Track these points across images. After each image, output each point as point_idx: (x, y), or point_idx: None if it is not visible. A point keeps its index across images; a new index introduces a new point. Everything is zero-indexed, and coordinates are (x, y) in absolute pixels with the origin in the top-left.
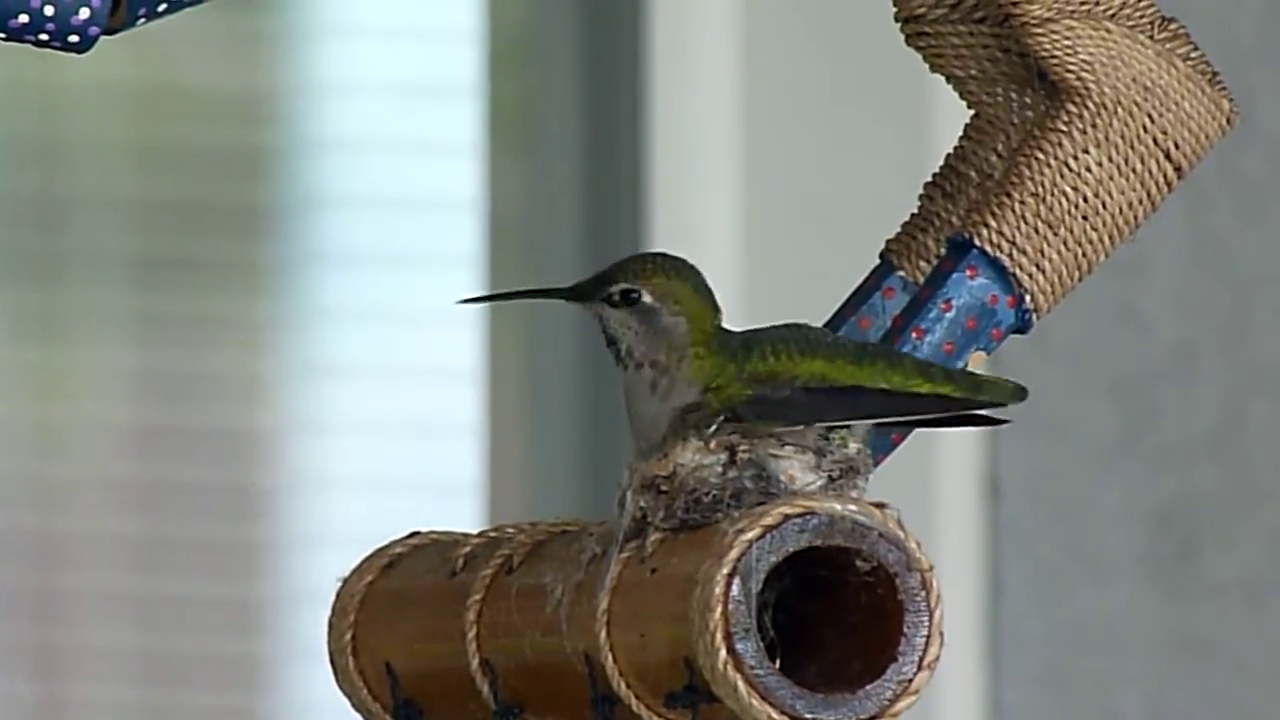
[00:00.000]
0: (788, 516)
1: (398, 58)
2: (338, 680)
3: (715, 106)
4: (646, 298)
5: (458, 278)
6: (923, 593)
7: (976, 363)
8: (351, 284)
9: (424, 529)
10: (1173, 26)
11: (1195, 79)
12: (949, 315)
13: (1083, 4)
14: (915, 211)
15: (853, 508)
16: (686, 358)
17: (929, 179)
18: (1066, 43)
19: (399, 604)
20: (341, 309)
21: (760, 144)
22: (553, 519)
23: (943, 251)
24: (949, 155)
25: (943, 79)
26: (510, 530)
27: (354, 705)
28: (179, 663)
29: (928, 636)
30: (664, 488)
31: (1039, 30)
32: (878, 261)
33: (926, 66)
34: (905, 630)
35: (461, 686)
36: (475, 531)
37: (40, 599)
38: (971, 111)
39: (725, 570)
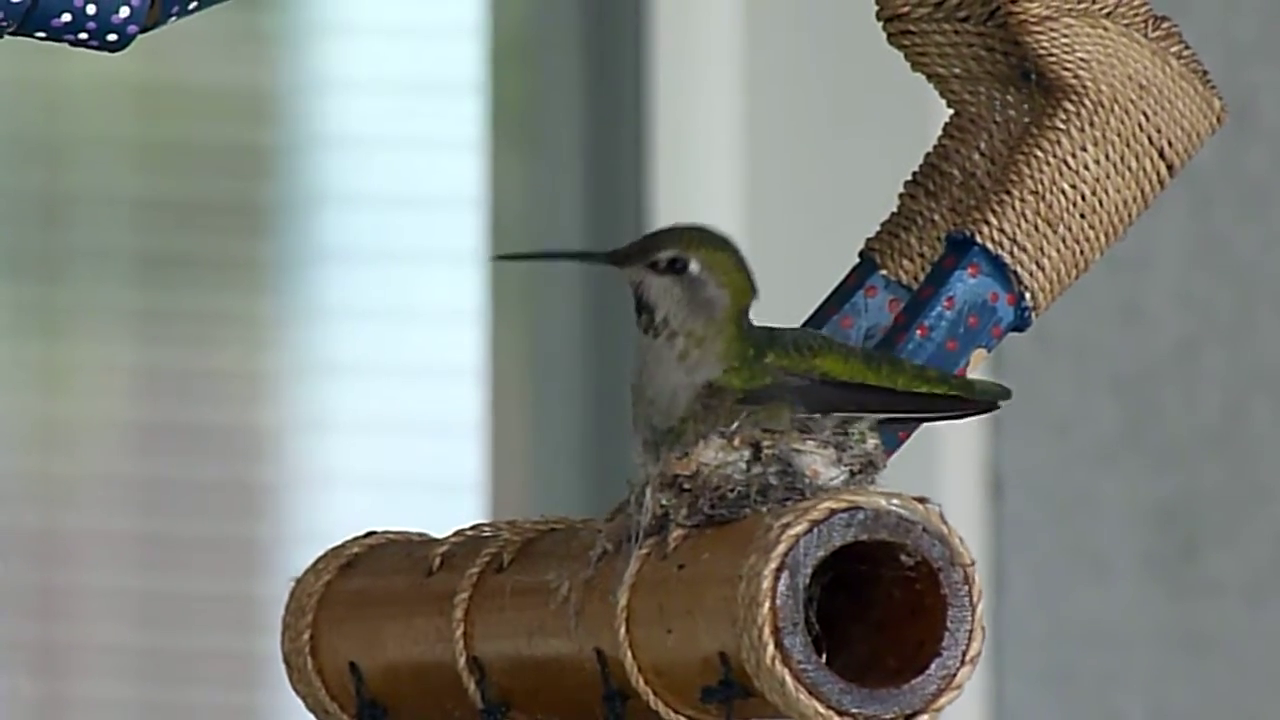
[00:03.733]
0: (834, 511)
1: (400, 55)
2: (293, 680)
3: (717, 103)
4: (694, 267)
5: (460, 275)
6: (965, 587)
7: (978, 361)
8: (354, 281)
9: (379, 528)
10: (1165, 25)
11: (1188, 77)
12: (951, 313)
13: (1080, 2)
14: (896, 210)
15: (897, 502)
16: (723, 333)
17: (910, 177)
18: (1064, 40)
19: (366, 603)
20: (344, 306)
21: (762, 140)
22: (536, 517)
23: (925, 250)
24: (929, 154)
25: None
26: (488, 529)
27: (309, 706)
28: (182, 660)
29: (970, 631)
30: (687, 485)
31: (1038, 28)
32: (858, 260)
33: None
34: (949, 625)
35: (440, 685)
36: (447, 531)
37: (42, 596)
38: (951, 110)
39: (773, 565)
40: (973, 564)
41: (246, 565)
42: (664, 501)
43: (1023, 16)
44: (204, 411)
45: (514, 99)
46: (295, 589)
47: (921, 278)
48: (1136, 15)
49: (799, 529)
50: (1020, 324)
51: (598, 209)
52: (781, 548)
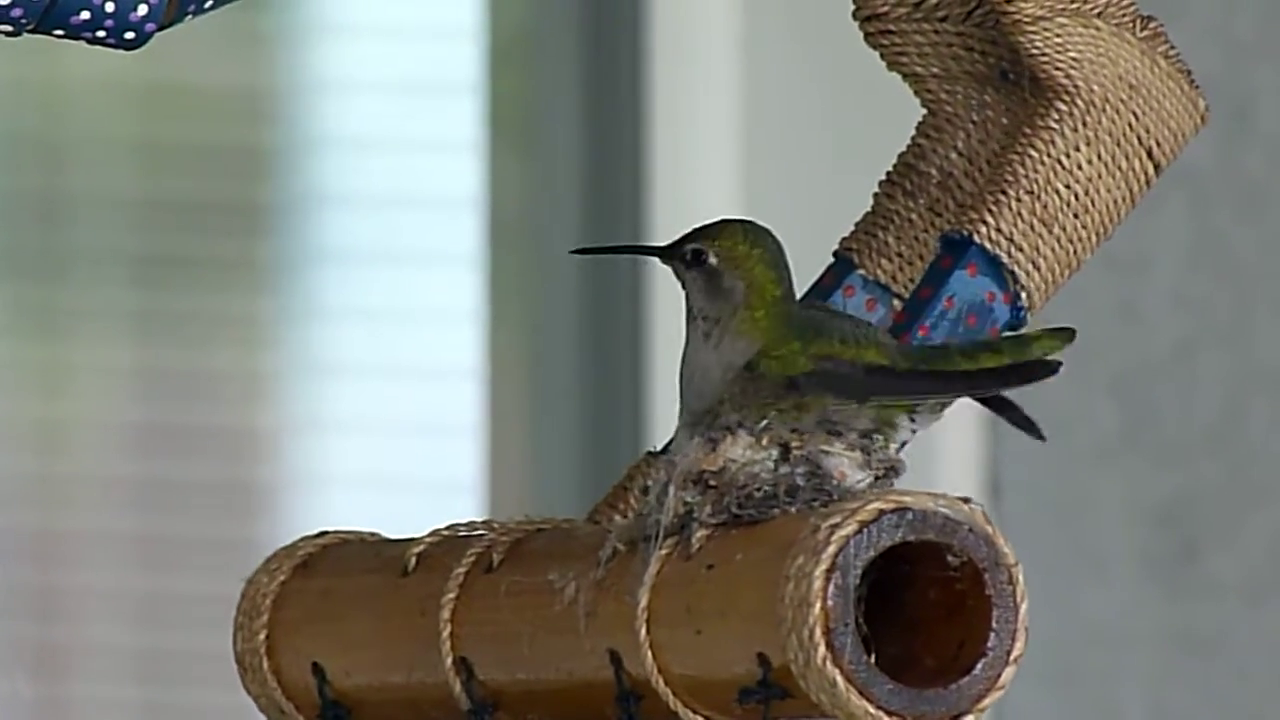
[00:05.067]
0: (882, 512)
1: (398, 56)
2: (246, 681)
3: (715, 104)
4: (712, 259)
5: (458, 276)
6: (1010, 588)
7: None
8: (352, 282)
9: (332, 528)
10: (1153, 24)
11: (1175, 77)
12: (951, 313)
13: (1072, 2)
14: (871, 209)
15: (944, 503)
16: (741, 317)
17: (884, 177)
18: (1058, 40)
19: (333, 604)
20: (342, 307)
21: (759, 141)
22: (520, 517)
23: (903, 249)
24: (904, 154)
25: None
26: (464, 529)
27: (262, 706)
28: (180, 661)
29: (1014, 631)
30: (713, 483)
31: (1031, 28)
32: (832, 259)
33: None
34: (995, 626)
35: (418, 686)
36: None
37: (41, 597)
38: (925, 110)
39: (824, 566)
40: (1017, 564)
41: (245, 566)
42: (687, 499)
43: (1016, 16)
44: (202, 412)
45: (512, 100)
46: (248, 589)
47: (900, 277)
48: (1125, 15)
49: (849, 530)
50: (1015, 324)
51: (596, 209)
52: (832, 549)
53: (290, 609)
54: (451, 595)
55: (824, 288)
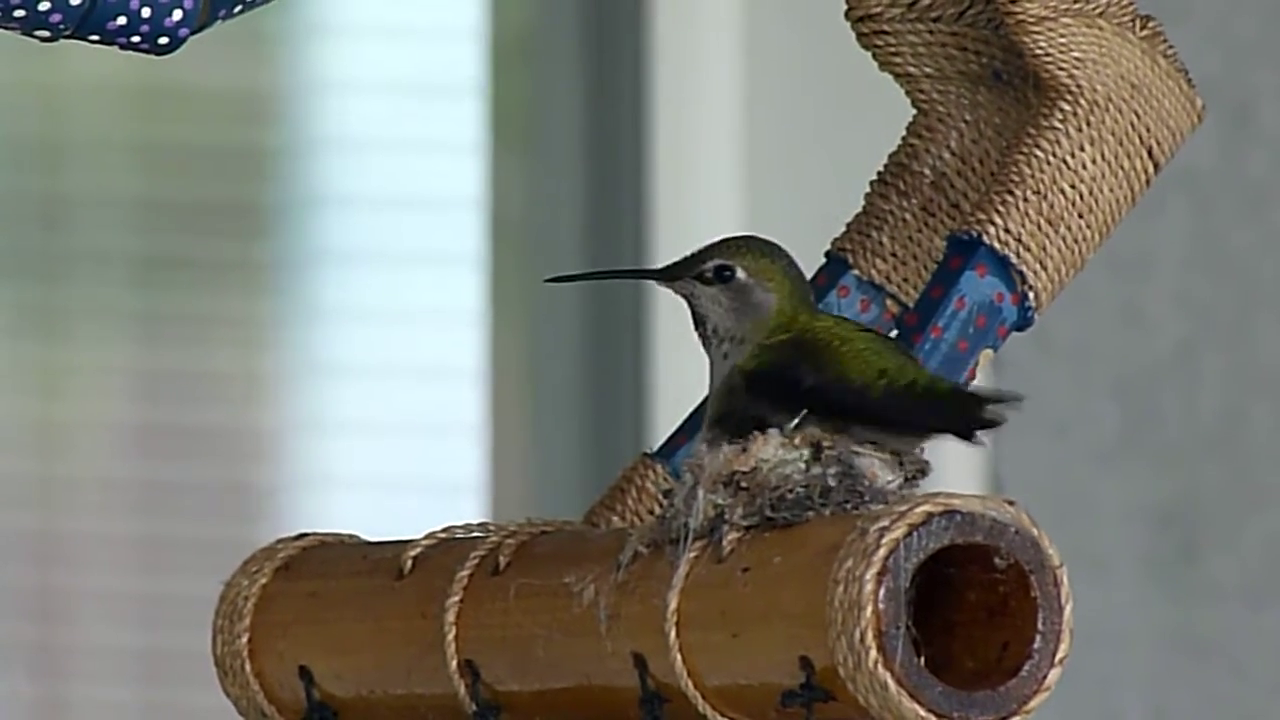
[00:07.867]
0: (931, 515)
1: (400, 57)
2: (225, 684)
3: (716, 105)
4: (740, 274)
5: (460, 277)
6: (1055, 589)
7: (985, 361)
8: (353, 283)
9: (310, 530)
10: (1152, 24)
11: (1174, 76)
12: (962, 314)
13: (1075, 2)
14: (864, 209)
15: (990, 505)
16: (767, 329)
17: (876, 177)
18: (1061, 40)
19: (319, 606)
20: (343, 308)
21: (761, 142)
22: (522, 519)
23: (898, 250)
24: (896, 154)
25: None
26: (460, 531)
27: (242, 709)
28: (180, 662)
29: (1060, 633)
30: (744, 484)
31: (1036, 28)
32: (825, 259)
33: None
34: (1040, 627)
35: (416, 688)
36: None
37: (41, 598)
38: (916, 110)
39: (875, 569)
40: (1061, 566)
41: None
42: (718, 501)
43: (1021, 17)
44: (203, 413)
45: (514, 101)
46: (227, 592)
47: (894, 277)
48: (1126, 14)
49: (899, 532)
50: (1022, 324)
51: (597, 211)
52: (883, 552)
53: (274, 611)
54: (456, 597)
55: (818, 288)
